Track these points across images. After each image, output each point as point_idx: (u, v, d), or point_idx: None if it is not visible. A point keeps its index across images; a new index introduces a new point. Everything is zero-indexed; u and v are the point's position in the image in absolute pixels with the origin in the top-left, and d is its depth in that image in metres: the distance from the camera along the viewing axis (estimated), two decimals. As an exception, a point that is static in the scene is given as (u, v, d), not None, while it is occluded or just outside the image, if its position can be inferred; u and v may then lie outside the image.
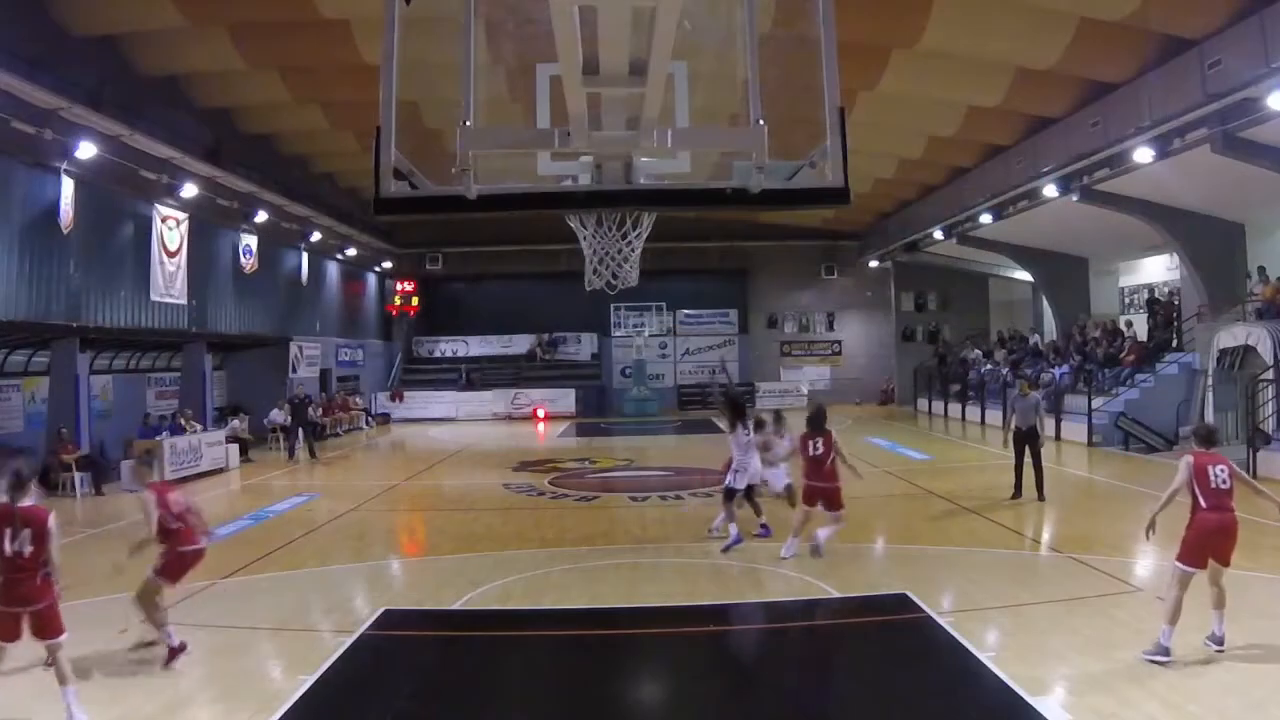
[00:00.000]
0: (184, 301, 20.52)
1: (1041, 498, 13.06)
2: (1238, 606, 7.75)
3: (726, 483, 10.75)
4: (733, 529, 10.45)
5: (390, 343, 36.40)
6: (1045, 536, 11.56)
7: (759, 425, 11.42)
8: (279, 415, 22.90)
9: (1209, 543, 6.47)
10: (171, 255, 19.97)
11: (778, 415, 12.27)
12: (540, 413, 32.88)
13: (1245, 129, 14.14)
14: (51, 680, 5.78)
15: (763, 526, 10.90)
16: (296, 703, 6.10)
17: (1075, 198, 19.58)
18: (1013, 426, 13.45)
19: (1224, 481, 6.52)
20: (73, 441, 16.05)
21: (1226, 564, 6.53)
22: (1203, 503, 6.49)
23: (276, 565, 10.42)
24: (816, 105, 3.96)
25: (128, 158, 17.37)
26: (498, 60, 4.79)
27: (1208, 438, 6.89)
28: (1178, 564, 6.54)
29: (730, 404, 11.47)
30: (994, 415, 25.14)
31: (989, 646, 6.91)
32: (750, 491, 10.90)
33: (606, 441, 26.00)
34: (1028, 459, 13.25)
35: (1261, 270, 18.34)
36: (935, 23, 15.93)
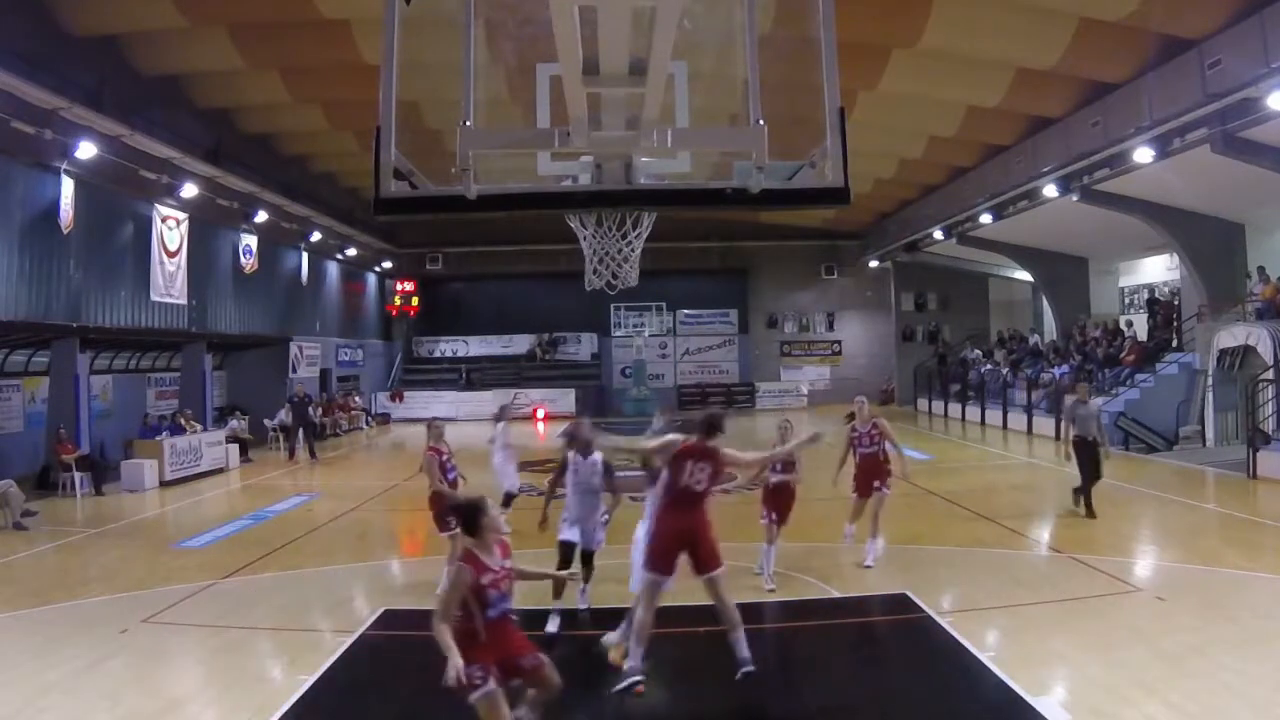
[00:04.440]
0: (184, 301, 20.52)
1: (1091, 513, 11.82)
2: (1238, 606, 7.78)
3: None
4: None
5: (390, 343, 36.38)
6: (1045, 537, 11.55)
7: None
8: (285, 417, 22.90)
9: (670, 548, 5.79)
10: (171, 255, 19.97)
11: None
12: (540, 413, 32.86)
13: (1245, 129, 14.15)
14: None
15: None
16: (296, 703, 6.11)
17: (1075, 198, 19.57)
18: (1072, 436, 12.00)
19: (699, 483, 5.90)
20: (72, 441, 16.03)
21: (669, 573, 5.80)
22: (667, 499, 5.76)
23: (277, 565, 10.41)
24: (816, 105, 3.95)
25: (128, 158, 17.37)
26: (498, 60, 4.78)
27: (709, 427, 6.06)
28: (645, 571, 5.77)
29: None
30: (994, 415, 25.18)
31: (989, 646, 6.91)
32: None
33: (606, 441, 25.92)
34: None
35: (1261, 270, 18.34)
36: (935, 23, 15.94)
